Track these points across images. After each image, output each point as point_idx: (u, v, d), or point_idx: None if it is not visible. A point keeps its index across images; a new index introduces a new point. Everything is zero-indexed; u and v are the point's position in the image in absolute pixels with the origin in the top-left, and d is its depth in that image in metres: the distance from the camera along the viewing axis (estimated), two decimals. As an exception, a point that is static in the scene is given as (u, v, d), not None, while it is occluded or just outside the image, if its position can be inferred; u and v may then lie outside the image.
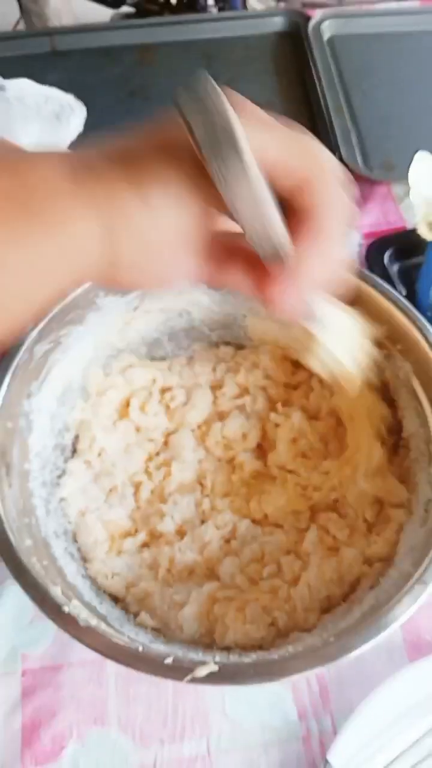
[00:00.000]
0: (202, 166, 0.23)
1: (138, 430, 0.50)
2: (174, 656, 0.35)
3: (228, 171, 0.22)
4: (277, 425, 0.49)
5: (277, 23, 0.85)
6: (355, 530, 0.45)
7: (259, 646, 0.41)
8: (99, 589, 0.44)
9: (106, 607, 0.42)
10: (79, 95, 0.70)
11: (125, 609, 0.44)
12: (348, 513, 0.46)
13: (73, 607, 0.36)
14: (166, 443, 0.50)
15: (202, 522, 0.46)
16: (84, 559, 0.45)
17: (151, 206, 0.23)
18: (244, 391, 0.51)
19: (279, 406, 0.49)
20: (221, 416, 0.50)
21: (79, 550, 0.45)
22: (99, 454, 0.49)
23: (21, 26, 1.49)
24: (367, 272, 0.45)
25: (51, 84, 0.70)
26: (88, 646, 0.35)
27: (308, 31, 0.81)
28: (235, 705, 0.43)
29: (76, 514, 0.46)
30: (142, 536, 0.46)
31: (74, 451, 0.49)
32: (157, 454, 0.50)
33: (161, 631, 0.43)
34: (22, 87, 0.68)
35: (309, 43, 0.80)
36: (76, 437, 0.49)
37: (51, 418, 0.46)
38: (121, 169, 0.23)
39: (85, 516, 0.46)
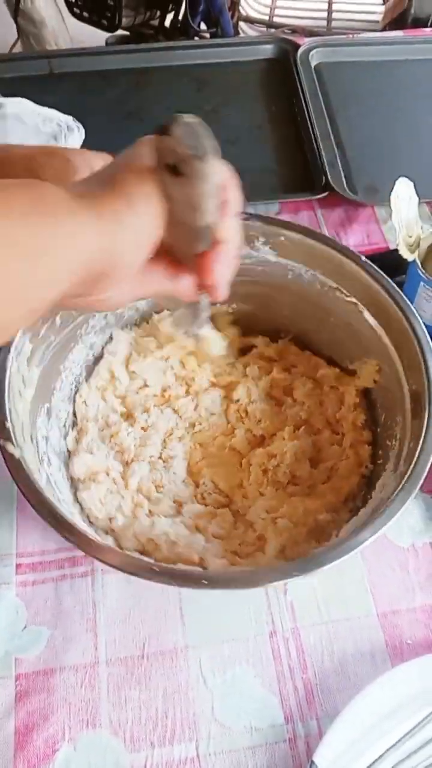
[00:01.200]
0: (161, 183, 0.31)
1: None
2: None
3: (204, 169, 0.30)
4: (283, 438, 0.52)
5: (267, 50, 0.89)
6: (247, 545, 0.48)
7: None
8: (67, 459, 0.51)
9: (54, 465, 0.48)
10: (77, 117, 0.72)
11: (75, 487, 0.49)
12: (254, 524, 0.49)
13: (12, 425, 0.42)
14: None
15: (164, 438, 0.53)
16: (74, 425, 0.53)
17: (135, 209, 0.30)
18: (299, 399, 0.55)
19: (302, 429, 0.53)
20: (268, 394, 0.56)
21: (74, 414, 0.53)
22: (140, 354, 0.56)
23: (18, 48, 1.52)
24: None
25: (49, 105, 0.72)
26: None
27: (297, 58, 0.84)
28: (223, 709, 0.44)
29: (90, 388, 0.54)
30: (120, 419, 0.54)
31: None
32: (189, 384, 0.56)
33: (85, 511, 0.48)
34: (21, 106, 0.70)
35: (297, 70, 0.83)
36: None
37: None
38: (109, 185, 0.31)
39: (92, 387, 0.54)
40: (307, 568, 0.38)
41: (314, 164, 0.73)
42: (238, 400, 0.55)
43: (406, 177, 0.55)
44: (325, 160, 0.72)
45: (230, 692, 0.44)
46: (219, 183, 0.32)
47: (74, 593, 0.48)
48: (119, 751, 0.42)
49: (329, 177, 0.71)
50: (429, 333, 0.56)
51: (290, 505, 0.49)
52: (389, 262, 0.61)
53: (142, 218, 0.31)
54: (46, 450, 0.48)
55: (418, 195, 0.55)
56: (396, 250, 0.54)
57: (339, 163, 0.73)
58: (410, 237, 0.54)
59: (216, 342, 0.52)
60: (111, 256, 0.30)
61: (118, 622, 0.47)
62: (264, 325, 0.58)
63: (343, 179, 0.72)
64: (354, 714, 0.42)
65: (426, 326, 0.57)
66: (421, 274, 0.54)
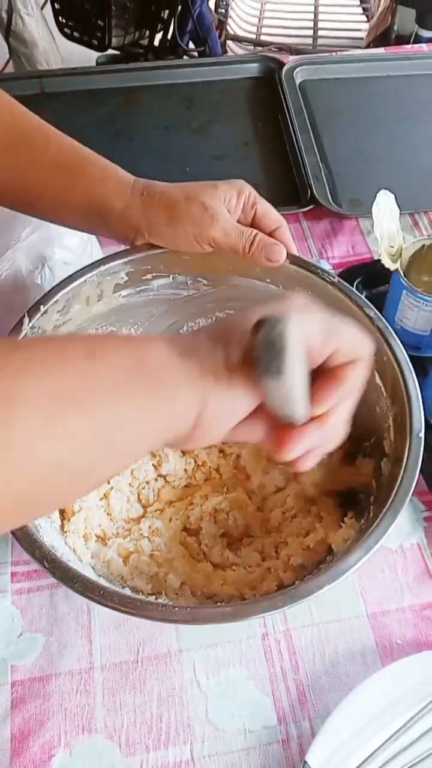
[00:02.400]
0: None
1: None
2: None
3: (276, 385, 0.29)
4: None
5: (253, 68, 0.91)
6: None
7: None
8: None
9: None
10: (67, 135, 0.73)
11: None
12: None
13: None
14: None
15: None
16: None
17: (234, 392, 0.31)
18: None
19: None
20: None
21: None
22: None
23: (10, 68, 1.55)
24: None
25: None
26: None
27: (281, 76, 0.87)
28: (217, 711, 0.45)
29: None
30: None
31: None
32: None
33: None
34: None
35: (282, 87, 0.86)
36: None
37: None
38: (218, 359, 0.31)
39: None
40: (298, 597, 0.38)
41: (300, 178, 0.75)
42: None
43: (388, 189, 0.57)
44: (310, 174, 0.74)
45: (224, 695, 0.45)
46: (296, 390, 0.30)
47: (69, 600, 0.48)
48: (115, 755, 0.43)
49: (314, 190, 0.73)
50: (412, 338, 0.58)
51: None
52: (373, 273, 0.63)
53: (237, 400, 0.31)
54: None
55: (399, 206, 0.57)
56: (380, 260, 0.56)
57: (324, 177, 0.75)
58: (392, 247, 0.56)
59: None
60: (199, 424, 0.30)
61: (112, 628, 0.47)
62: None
63: (328, 192, 0.74)
64: (345, 714, 0.43)
65: (409, 332, 0.59)
66: (404, 283, 0.56)
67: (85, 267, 0.49)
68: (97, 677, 0.45)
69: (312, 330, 0.31)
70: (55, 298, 0.48)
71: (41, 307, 0.47)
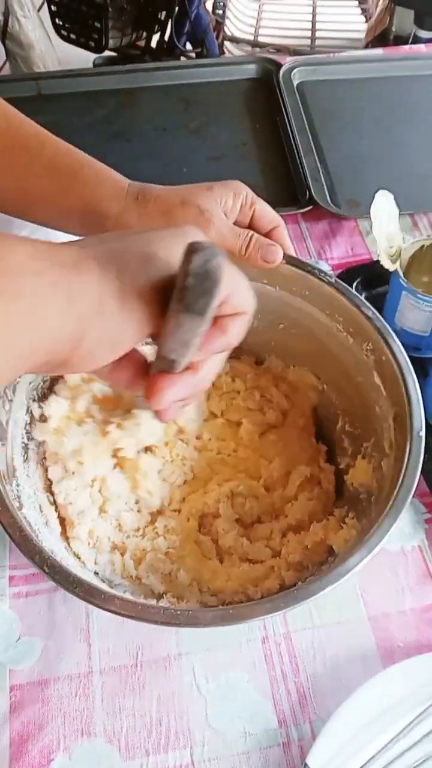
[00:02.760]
0: (164, 298, 0.27)
1: None
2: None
3: (190, 326, 0.27)
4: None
5: (251, 70, 0.91)
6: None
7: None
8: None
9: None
10: (65, 137, 0.73)
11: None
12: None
13: None
14: None
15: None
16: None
17: (123, 317, 0.28)
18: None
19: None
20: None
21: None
22: None
23: (6, 70, 1.55)
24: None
25: (37, 126, 0.73)
26: None
27: (279, 77, 0.87)
28: (217, 715, 0.44)
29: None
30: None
31: None
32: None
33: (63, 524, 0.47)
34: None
35: (280, 89, 0.85)
36: None
37: None
38: (107, 281, 0.27)
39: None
40: (300, 598, 0.38)
41: (298, 179, 0.75)
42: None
43: (387, 190, 0.57)
44: (308, 175, 0.74)
45: (224, 698, 0.45)
46: (200, 336, 0.28)
47: (67, 604, 0.48)
48: (114, 759, 0.43)
49: (312, 191, 0.73)
50: (412, 339, 0.58)
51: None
52: (373, 273, 0.63)
53: (125, 331, 0.28)
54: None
55: (398, 207, 0.57)
56: (379, 261, 0.56)
57: (322, 178, 0.75)
58: (391, 248, 0.56)
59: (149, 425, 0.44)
60: (77, 349, 0.28)
61: (111, 631, 0.47)
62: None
63: (326, 193, 0.73)
64: (345, 717, 0.43)
65: (409, 333, 0.58)
66: (403, 284, 0.56)
67: None
68: (96, 681, 0.45)
69: None
70: None
71: None
